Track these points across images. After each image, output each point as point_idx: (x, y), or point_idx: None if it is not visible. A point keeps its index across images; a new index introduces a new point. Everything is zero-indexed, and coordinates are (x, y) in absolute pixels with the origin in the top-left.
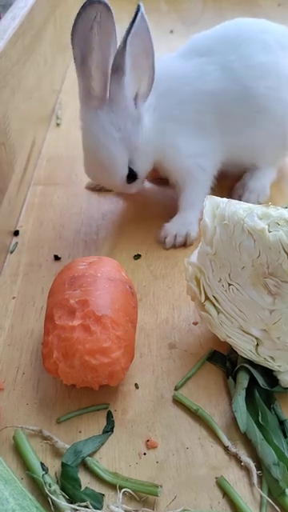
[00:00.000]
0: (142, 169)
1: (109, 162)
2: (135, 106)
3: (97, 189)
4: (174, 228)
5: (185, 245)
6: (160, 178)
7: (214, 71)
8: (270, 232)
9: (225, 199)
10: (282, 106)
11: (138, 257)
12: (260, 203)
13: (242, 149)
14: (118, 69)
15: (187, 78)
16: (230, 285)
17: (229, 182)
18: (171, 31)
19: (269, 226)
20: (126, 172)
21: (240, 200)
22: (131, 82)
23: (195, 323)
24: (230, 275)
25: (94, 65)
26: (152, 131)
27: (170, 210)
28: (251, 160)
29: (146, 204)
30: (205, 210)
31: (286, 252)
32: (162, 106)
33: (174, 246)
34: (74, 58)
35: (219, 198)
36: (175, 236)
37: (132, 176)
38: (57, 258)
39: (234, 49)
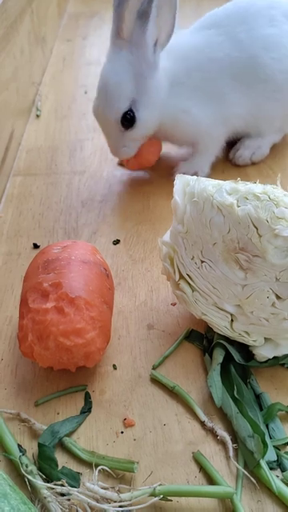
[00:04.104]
0: (142, 120)
1: (113, 89)
2: (154, 51)
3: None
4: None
5: None
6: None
7: (222, 41)
8: (238, 207)
9: (194, 177)
10: (285, 76)
11: (117, 242)
12: (253, 162)
13: (250, 118)
14: (143, 14)
15: (196, 47)
16: (202, 262)
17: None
18: None
19: (237, 200)
20: (124, 107)
21: (234, 155)
22: (153, 29)
23: (173, 304)
24: (202, 252)
25: (127, 9)
26: (165, 92)
27: (150, 196)
28: (257, 129)
29: (125, 191)
30: (175, 189)
31: (254, 226)
32: (174, 71)
33: None
34: (113, 1)
35: (189, 176)
36: None
37: (130, 119)
38: (36, 246)
39: (241, 21)
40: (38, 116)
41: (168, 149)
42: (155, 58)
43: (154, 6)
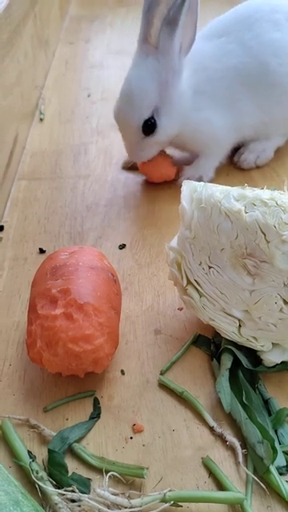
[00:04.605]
0: (163, 128)
1: (137, 96)
2: (179, 58)
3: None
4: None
5: None
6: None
7: (235, 49)
8: (246, 213)
9: (201, 183)
10: None
11: (122, 246)
12: (258, 165)
13: (260, 125)
14: (172, 21)
15: (213, 56)
16: (210, 267)
17: None
18: None
19: (245, 207)
20: (147, 114)
21: (239, 159)
22: (180, 35)
23: (180, 309)
24: (209, 258)
25: (157, 15)
26: (188, 101)
27: (154, 200)
28: (265, 134)
29: (129, 195)
30: (182, 195)
31: (262, 232)
32: (195, 80)
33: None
34: (143, 6)
35: (196, 182)
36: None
37: (150, 126)
38: (42, 251)
39: (248, 28)
40: (41, 120)
41: (171, 152)
42: (180, 64)
43: (184, 14)
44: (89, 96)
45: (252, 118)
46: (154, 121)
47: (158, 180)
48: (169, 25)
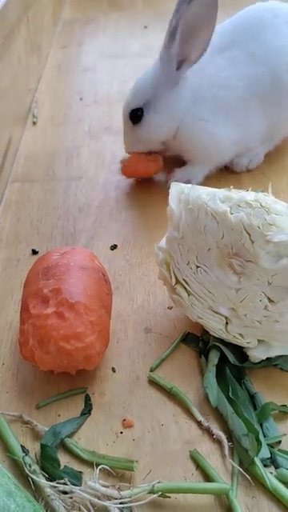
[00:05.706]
0: (150, 122)
1: (134, 88)
2: (178, 68)
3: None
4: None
5: None
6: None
7: (241, 56)
8: (231, 214)
9: (189, 185)
10: None
11: (114, 247)
12: (249, 169)
13: (265, 136)
14: (173, 32)
15: (220, 66)
16: (197, 267)
17: None
18: (145, 27)
19: (230, 208)
20: (136, 104)
21: (231, 162)
22: (180, 47)
23: (170, 307)
24: (197, 258)
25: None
26: (187, 105)
27: (145, 202)
28: (269, 139)
29: (121, 197)
30: (170, 196)
31: (247, 232)
32: (198, 85)
33: None
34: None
35: (183, 184)
36: None
37: (137, 116)
38: (35, 252)
39: (252, 36)
40: (34, 123)
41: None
42: (179, 74)
43: (181, 25)
44: (81, 99)
45: (260, 127)
46: (142, 112)
47: (130, 176)
48: (170, 35)
